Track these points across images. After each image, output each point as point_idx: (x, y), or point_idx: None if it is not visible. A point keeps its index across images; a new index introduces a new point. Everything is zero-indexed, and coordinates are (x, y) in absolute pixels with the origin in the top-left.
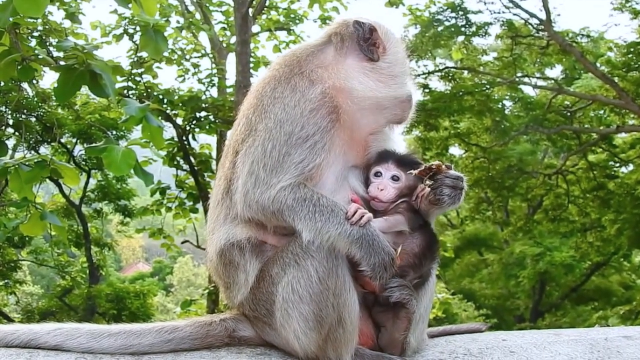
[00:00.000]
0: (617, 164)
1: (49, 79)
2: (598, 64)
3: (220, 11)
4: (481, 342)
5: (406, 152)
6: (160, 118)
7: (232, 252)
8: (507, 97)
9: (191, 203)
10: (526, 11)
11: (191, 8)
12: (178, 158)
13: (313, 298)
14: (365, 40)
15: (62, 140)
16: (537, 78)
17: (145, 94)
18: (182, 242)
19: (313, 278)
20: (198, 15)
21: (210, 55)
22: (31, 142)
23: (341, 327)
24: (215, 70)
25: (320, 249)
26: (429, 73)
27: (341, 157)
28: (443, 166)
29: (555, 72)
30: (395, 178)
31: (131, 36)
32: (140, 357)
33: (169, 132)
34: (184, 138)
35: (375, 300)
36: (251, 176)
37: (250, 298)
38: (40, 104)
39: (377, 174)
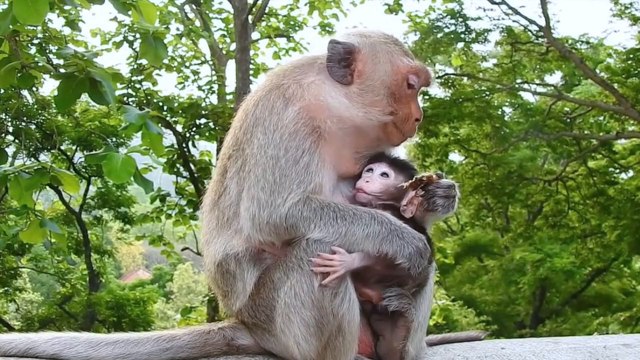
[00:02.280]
0: (617, 170)
1: (48, 87)
2: (597, 70)
3: (220, 18)
4: (480, 351)
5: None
6: (160, 125)
7: (229, 263)
8: (506, 104)
9: (191, 210)
10: (525, 18)
11: (191, 15)
12: (178, 165)
13: (315, 304)
14: (341, 61)
15: (62, 148)
16: (537, 84)
17: (145, 101)
18: (182, 249)
19: (315, 284)
20: (198, 23)
21: (210, 62)
22: (31, 149)
23: (341, 335)
24: (215, 77)
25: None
26: None
27: (333, 171)
28: (434, 176)
29: (555, 78)
30: (384, 175)
31: (131, 43)
32: None
33: (169, 139)
34: (184, 145)
35: (373, 308)
36: (253, 201)
37: (249, 305)
38: (40, 112)
39: (368, 170)
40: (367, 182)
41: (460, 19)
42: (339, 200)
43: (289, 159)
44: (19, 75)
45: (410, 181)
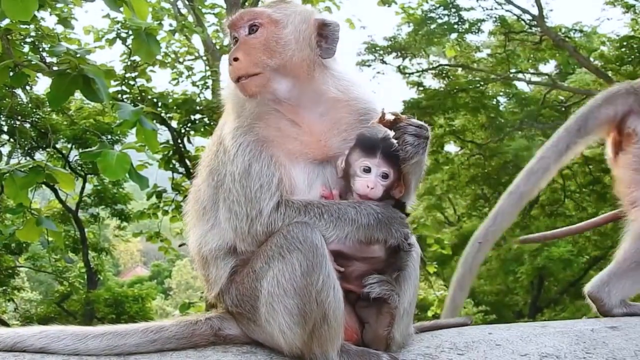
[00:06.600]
0: None
1: (42, 85)
2: (591, 59)
3: (213, 13)
4: (467, 336)
5: (389, 140)
6: (155, 121)
7: (204, 250)
8: (501, 94)
9: None
10: (518, 7)
11: (184, 11)
12: (174, 161)
13: (297, 292)
14: None
15: (57, 146)
16: (531, 74)
17: (139, 98)
18: (180, 245)
19: (297, 272)
20: (191, 18)
21: (204, 58)
22: (26, 148)
23: (326, 324)
24: (209, 73)
25: (306, 242)
26: (422, 71)
27: (296, 162)
28: (403, 116)
29: (549, 67)
30: (385, 175)
31: (124, 40)
32: (126, 357)
33: (164, 135)
34: (179, 141)
35: (357, 296)
36: (231, 212)
37: (234, 294)
38: (34, 110)
39: (366, 170)
40: (372, 189)
41: (453, 10)
42: (316, 188)
43: (241, 172)
44: (11, 74)
45: (378, 117)
